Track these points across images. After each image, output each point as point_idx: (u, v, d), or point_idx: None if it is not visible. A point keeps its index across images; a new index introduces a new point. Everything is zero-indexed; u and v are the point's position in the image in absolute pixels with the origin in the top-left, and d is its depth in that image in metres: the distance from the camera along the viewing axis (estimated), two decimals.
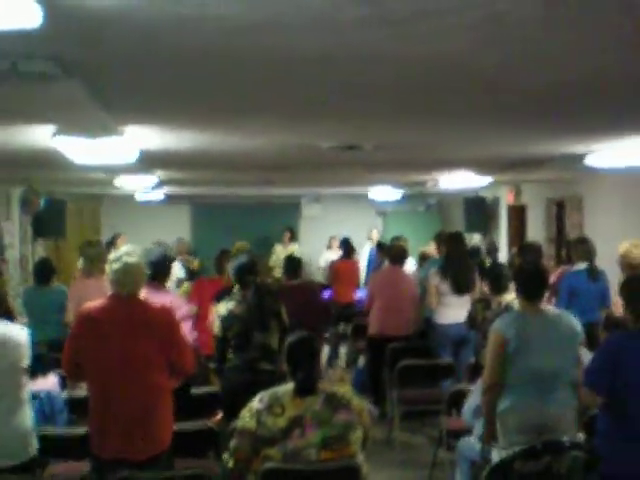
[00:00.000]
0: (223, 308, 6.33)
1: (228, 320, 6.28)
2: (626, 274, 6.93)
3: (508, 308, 7.16)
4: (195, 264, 13.82)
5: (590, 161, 7.57)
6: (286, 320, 6.46)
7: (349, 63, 3.66)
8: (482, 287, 8.45)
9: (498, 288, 7.46)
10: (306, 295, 8.20)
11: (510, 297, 7.34)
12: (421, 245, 12.83)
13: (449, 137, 6.75)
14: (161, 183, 12.02)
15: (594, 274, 7.63)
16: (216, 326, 6.32)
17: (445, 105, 5.01)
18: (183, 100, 4.83)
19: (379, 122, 5.79)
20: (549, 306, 5.15)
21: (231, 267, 6.66)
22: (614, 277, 6.60)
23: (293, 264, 8.59)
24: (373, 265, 13.20)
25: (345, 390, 4.68)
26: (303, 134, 6.45)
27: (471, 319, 7.59)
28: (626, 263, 6.98)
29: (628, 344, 4.28)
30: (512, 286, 7.56)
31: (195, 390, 6.05)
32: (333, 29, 3.03)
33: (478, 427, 5.32)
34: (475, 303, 7.73)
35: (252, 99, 4.73)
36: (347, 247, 12.28)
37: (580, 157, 7.66)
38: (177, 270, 11.42)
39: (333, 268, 12.10)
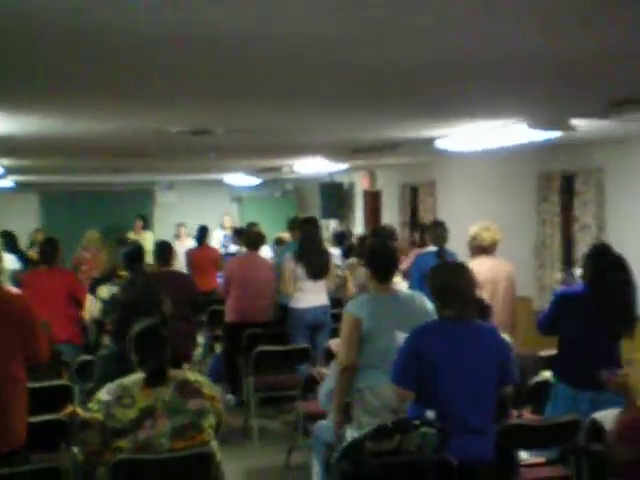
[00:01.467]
0: (105, 292, 6.22)
1: (110, 305, 6.14)
2: (476, 256, 7.10)
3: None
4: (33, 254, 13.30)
5: (440, 144, 7.70)
6: (166, 310, 6.35)
7: (194, 45, 3.57)
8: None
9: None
10: (179, 283, 8.04)
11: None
12: (278, 231, 12.84)
13: (301, 122, 6.73)
14: (7, 171, 11.57)
15: (443, 257, 7.77)
16: (97, 309, 6.19)
17: (296, 89, 4.97)
18: (23, 83, 4.63)
19: (229, 106, 5.71)
20: (401, 287, 5.21)
21: (120, 253, 6.61)
22: (466, 259, 6.74)
23: (164, 251, 8.33)
24: (226, 252, 13.16)
25: (196, 377, 4.61)
26: (151, 118, 6.30)
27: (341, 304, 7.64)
28: (476, 245, 7.11)
29: (426, 334, 4.33)
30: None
31: (44, 383, 5.86)
32: (177, 7, 2.93)
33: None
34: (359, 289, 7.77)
35: (96, 82, 4.57)
36: (202, 234, 12.11)
37: (431, 141, 7.78)
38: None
39: (190, 256, 11.92)
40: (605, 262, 5.54)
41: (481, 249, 7.07)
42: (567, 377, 5.55)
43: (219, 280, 11.50)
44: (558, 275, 7.19)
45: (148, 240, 13.69)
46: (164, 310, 6.29)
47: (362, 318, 4.93)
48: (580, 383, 5.46)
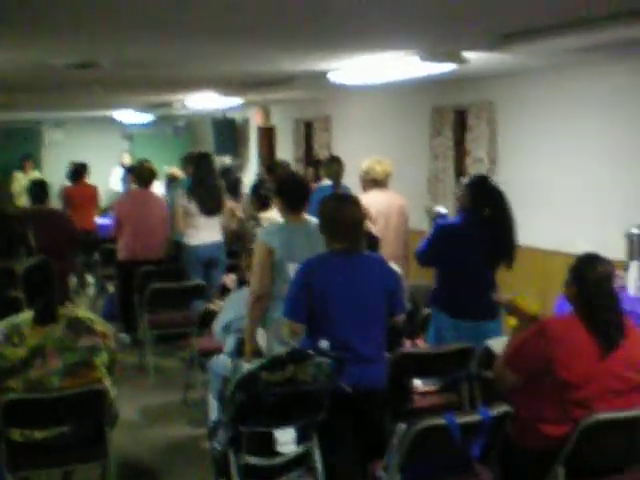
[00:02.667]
0: None
1: None
2: (369, 190, 7.13)
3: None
4: None
5: (333, 78, 7.65)
6: (33, 245, 6.20)
7: None
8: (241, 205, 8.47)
9: (264, 205, 7.54)
10: (53, 221, 7.83)
11: (274, 214, 7.41)
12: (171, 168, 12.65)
13: (191, 54, 6.57)
14: None
15: (337, 190, 7.78)
16: None
17: (183, 19, 4.83)
18: None
19: (115, 37, 5.52)
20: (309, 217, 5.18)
21: None
22: (361, 194, 6.76)
23: (38, 189, 8.12)
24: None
25: (87, 314, 4.53)
26: (34, 51, 6.06)
27: (238, 237, 7.58)
28: (369, 179, 7.15)
29: (316, 266, 4.33)
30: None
31: None
32: None
33: (229, 343, 5.34)
34: (245, 222, 7.71)
35: None
36: (77, 172, 11.74)
37: (324, 74, 7.72)
38: None
39: (65, 194, 11.49)
40: (483, 192, 5.63)
41: (374, 183, 7.12)
42: (447, 307, 5.65)
43: (100, 220, 11.31)
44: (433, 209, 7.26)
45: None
46: (30, 245, 6.15)
47: (275, 247, 4.90)
48: (460, 313, 5.58)
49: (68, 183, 12.11)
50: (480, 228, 5.53)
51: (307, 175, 9.49)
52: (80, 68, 6.88)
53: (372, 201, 6.96)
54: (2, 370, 4.23)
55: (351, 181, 8.32)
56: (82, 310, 4.61)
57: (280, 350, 4.43)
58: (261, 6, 4.40)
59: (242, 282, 6.63)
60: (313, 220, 5.14)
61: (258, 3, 4.29)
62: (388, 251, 6.37)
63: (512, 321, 4.50)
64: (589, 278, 3.90)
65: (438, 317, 5.71)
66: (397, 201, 7.19)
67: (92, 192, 11.74)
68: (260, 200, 7.67)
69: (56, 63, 6.65)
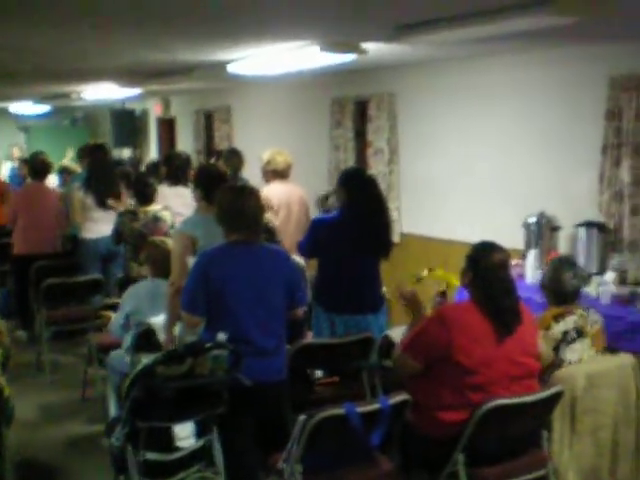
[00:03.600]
0: None
1: None
2: (270, 181, 7.13)
3: (156, 218, 7.14)
4: None
5: (232, 69, 7.58)
6: None
7: None
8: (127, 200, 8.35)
9: (144, 199, 7.42)
10: None
11: (157, 207, 7.31)
12: (69, 161, 12.42)
13: (87, 44, 6.43)
14: None
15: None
16: None
17: (78, 9, 4.71)
18: None
19: (8, 27, 5.36)
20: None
21: None
22: (262, 186, 6.73)
23: None
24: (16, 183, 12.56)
25: None
26: None
27: (118, 232, 7.45)
28: (270, 170, 7.16)
29: (214, 258, 4.30)
30: (158, 197, 7.58)
31: None
32: None
33: (127, 339, 5.26)
34: (121, 215, 7.57)
35: None
36: None
37: (223, 65, 7.64)
38: None
39: None
40: (356, 185, 5.66)
41: (275, 174, 7.13)
42: (323, 301, 5.68)
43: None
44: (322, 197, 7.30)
45: None
46: None
47: (197, 237, 4.83)
48: (335, 307, 5.61)
49: None
50: (355, 221, 5.55)
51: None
52: None
53: (273, 192, 6.97)
54: None
55: (252, 172, 8.29)
56: None
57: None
58: None
59: (128, 276, 6.57)
60: None
61: None
62: (290, 242, 6.38)
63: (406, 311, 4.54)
64: (485, 265, 3.97)
65: (316, 310, 5.73)
66: (297, 192, 7.21)
67: (2, 187, 11.44)
68: (141, 194, 7.55)
69: None
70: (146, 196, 7.41)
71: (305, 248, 5.79)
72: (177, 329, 4.85)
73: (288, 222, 6.95)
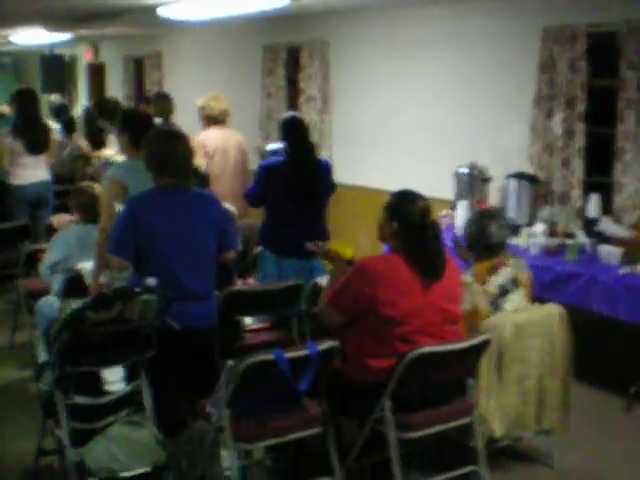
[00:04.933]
0: None
1: None
2: (207, 127, 7.10)
3: (108, 162, 7.09)
4: None
5: (162, 12, 7.48)
6: None
7: None
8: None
9: (98, 143, 7.38)
10: None
11: (109, 152, 7.24)
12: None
13: None
14: None
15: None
16: None
17: None
18: None
19: None
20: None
21: None
22: (193, 132, 6.67)
23: None
24: None
25: None
26: None
27: (71, 176, 7.39)
28: (206, 115, 7.15)
29: (143, 203, 4.27)
30: (112, 141, 7.50)
31: None
32: None
33: (56, 284, 5.23)
34: (75, 160, 7.49)
35: None
36: None
37: (152, 8, 7.54)
38: None
39: None
40: (289, 131, 5.73)
41: (211, 119, 7.13)
42: (271, 245, 5.77)
43: None
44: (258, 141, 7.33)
45: None
46: None
47: (127, 183, 4.78)
48: (282, 251, 5.69)
49: None
50: (292, 166, 5.63)
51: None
52: None
53: (208, 137, 6.97)
54: None
55: (184, 119, 8.23)
56: None
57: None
58: None
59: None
60: None
61: None
62: (227, 188, 6.41)
63: (329, 266, 4.58)
64: (411, 212, 3.97)
65: (263, 254, 5.82)
66: (235, 138, 7.22)
67: None
68: (93, 138, 7.50)
69: None
70: (99, 141, 7.36)
71: (254, 195, 5.84)
72: (104, 276, 4.84)
73: (225, 168, 6.96)
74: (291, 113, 6.58)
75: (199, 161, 6.66)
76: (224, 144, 7.03)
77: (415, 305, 3.92)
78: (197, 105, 7.17)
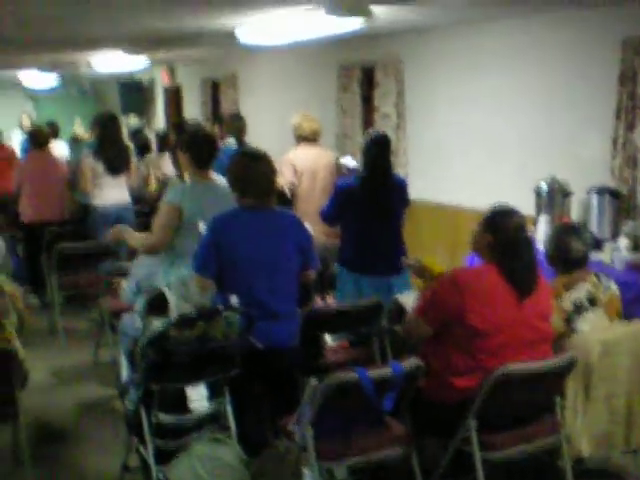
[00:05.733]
0: None
1: None
2: (298, 145, 7.20)
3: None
4: None
5: (239, 35, 7.56)
6: None
7: None
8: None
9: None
10: None
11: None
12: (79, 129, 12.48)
13: (94, 10, 6.41)
14: None
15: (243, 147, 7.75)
16: None
17: None
18: None
19: None
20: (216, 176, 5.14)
21: None
22: (275, 152, 6.72)
23: None
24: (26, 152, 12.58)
25: None
26: None
27: (154, 199, 7.53)
28: (297, 135, 7.25)
29: (226, 222, 4.32)
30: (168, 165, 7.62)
31: None
32: None
33: (139, 303, 5.29)
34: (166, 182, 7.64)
35: None
36: None
37: (230, 32, 7.63)
38: None
39: None
40: (370, 149, 5.73)
41: (302, 138, 7.22)
42: (348, 263, 5.78)
43: None
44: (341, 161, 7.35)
45: None
46: None
47: (184, 207, 4.84)
48: (360, 269, 5.68)
49: None
50: (369, 185, 5.64)
51: (215, 134, 9.42)
52: None
53: (297, 156, 7.05)
54: None
55: (261, 139, 8.29)
56: None
57: (187, 308, 4.41)
58: None
59: None
60: (220, 179, 5.11)
61: None
62: (314, 207, 6.45)
63: (419, 282, 4.57)
64: (506, 226, 3.96)
65: (341, 273, 5.82)
66: (325, 157, 7.28)
67: (10, 154, 11.47)
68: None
69: None
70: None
71: (328, 214, 5.87)
72: (167, 295, 4.91)
73: (313, 187, 7.02)
74: (376, 130, 6.58)
75: (283, 180, 6.74)
76: (313, 163, 7.10)
77: (504, 318, 3.89)
78: (291, 124, 7.25)
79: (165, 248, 4.91)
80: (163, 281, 5.06)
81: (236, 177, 4.38)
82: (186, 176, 5.49)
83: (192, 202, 4.84)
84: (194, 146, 5.08)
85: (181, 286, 4.76)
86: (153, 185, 8.74)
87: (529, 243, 4.03)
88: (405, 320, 4.43)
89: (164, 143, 10.05)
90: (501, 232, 3.96)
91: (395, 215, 5.80)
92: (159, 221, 4.94)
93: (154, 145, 10.53)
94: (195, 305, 4.40)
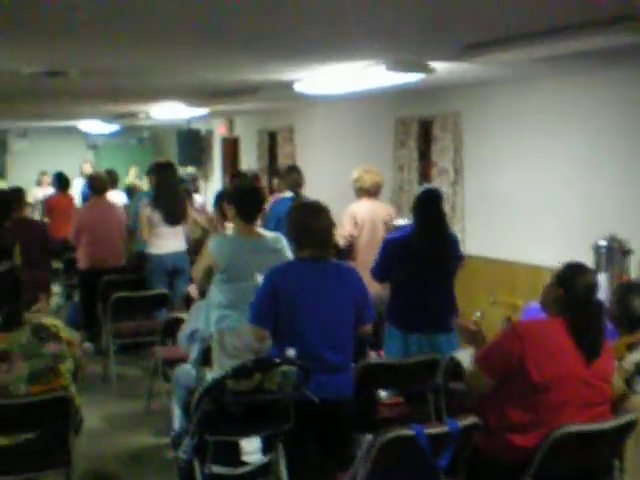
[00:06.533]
0: None
1: None
2: (360, 198, 7.24)
3: None
4: None
5: (299, 88, 7.65)
6: (16, 257, 6.23)
7: None
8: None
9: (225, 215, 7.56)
10: (32, 231, 7.93)
11: None
12: (135, 178, 12.66)
13: (157, 63, 6.52)
14: None
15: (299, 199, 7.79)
16: None
17: (150, 30, 4.79)
18: None
19: (83, 45, 5.46)
20: (261, 229, 5.19)
21: None
22: (331, 204, 6.75)
23: (16, 196, 8.30)
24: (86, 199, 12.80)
25: (53, 321, 4.48)
26: (5, 58, 5.97)
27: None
28: (358, 187, 7.30)
29: (284, 274, 4.33)
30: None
31: None
32: None
33: (193, 352, 5.31)
34: (210, 232, 7.72)
35: None
36: (60, 182, 11.80)
37: (290, 84, 7.72)
38: None
39: (47, 203, 11.61)
40: (422, 204, 5.69)
41: (363, 191, 7.26)
42: (396, 320, 5.71)
43: None
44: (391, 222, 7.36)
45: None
46: (14, 256, 6.16)
47: (218, 258, 4.90)
48: (408, 326, 5.61)
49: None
50: (422, 240, 5.58)
51: (272, 186, 9.52)
52: (49, 76, 6.79)
53: (358, 209, 7.13)
54: None
55: (317, 192, 8.32)
56: (47, 317, 4.55)
57: (228, 362, 4.44)
58: (226, 15, 4.37)
59: (203, 292, 6.62)
60: (267, 235, 5.13)
61: (223, 13, 4.26)
62: (373, 259, 6.45)
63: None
64: (579, 284, 3.92)
65: (389, 330, 5.77)
66: (384, 211, 7.35)
67: (70, 202, 11.71)
68: (222, 210, 7.67)
69: (27, 71, 6.56)
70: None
71: (378, 269, 5.80)
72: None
73: (372, 240, 7.02)
74: (427, 186, 6.58)
75: (342, 231, 6.77)
76: (373, 216, 7.16)
77: (566, 374, 3.82)
78: (352, 177, 7.30)
79: (200, 287, 5.21)
80: (205, 331, 5.11)
81: (294, 228, 4.40)
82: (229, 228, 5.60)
83: (228, 254, 4.90)
84: (240, 199, 5.14)
85: (219, 338, 4.81)
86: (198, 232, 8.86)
87: (600, 305, 3.98)
88: (465, 372, 4.38)
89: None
90: (573, 288, 3.92)
91: (448, 271, 5.74)
92: (199, 262, 5.20)
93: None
94: (234, 357, 4.43)
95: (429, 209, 5.67)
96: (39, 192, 13.94)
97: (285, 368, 3.93)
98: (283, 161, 12.69)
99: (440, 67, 6.45)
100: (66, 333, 4.46)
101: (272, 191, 10.36)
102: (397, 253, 5.66)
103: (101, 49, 5.66)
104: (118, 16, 4.35)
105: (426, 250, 5.57)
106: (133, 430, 6.45)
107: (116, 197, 10.64)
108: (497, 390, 3.93)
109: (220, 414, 3.85)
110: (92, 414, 6.38)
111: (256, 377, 3.87)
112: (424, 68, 6.35)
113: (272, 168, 13.21)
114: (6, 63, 6.24)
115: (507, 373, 3.88)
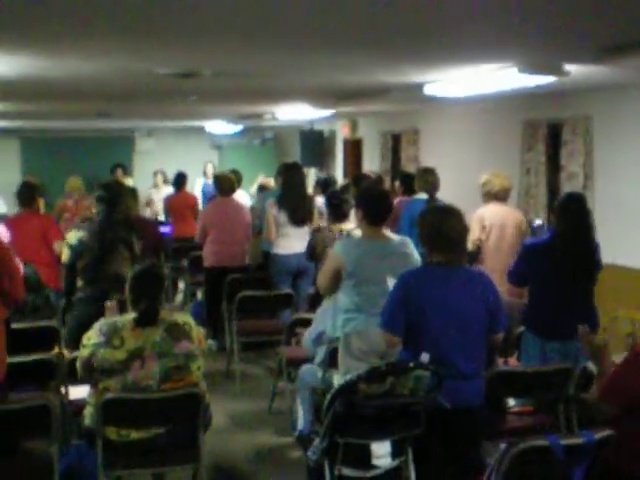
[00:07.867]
0: (74, 238, 6.23)
1: (78, 249, 6.24)
2: (487, 203, 7.20)
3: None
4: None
5: (429, 90, 7.58)
6: (137, 251, 6.39)
7: None
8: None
9: (338, 217, 7.53)
10: (144, 229, 8.04)
11: (350, 226, 7.38)
12: (256, 178, 12.82)
13: (289, 64, 6.57)
14: None
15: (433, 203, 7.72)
16: (66, 255, 6.23)
17: (281, 31, 4.82)
18: (10, 23, 4.44)
19: (216, 46, 5.55)
20: (391, 233, 5.15)
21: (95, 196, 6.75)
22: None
23: (131, 195, 8.47)
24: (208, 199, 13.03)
25: (185, 319, 4.55)
26: (139, 59, 6.12)
27: (311, 249, 7.60)
28: (486, 192, 7.24)
29: (415, 280, 4.27)
30: (352, 215, 7.66)
31: (32, 324, 5.86)
32: None
33: (319, 354, 5.31)
34: (314, 233, 7.72)
35: (84, 20, 4.38)
36: (180, 181, 12.04)
37: (419, 86, 7.67)
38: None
39: (168, 203, 11.93)
40: (566, 210, 5.54)
41: (491, 195, 7.22)
42: (535, 327, 5.58)
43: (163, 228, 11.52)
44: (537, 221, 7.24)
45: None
46: (135, 250, 6.30)
47: (345, 261, 4.89)
48: (547, 333, 5.48)
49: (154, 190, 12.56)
50: (563, 246, 5.44)
51: (395, 189, 9.45)
52: (182, 77, 6.92)
53: (486, 213, 7.10)
54: (102, 370, 4.27)
55: (440, 195, 8.23)
56: (181, 315, 4.62)
57: (354, 364, 4.42)
58: (358, 19, 4.36)
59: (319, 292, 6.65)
60: (395, 238, 5.09)
61: (356, 17, 4.26)
62: (501, 264, 6.38)
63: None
64: None
65: (526, 336, 5.64)
66: (513, 215, 7.29)
67: (192, 201, 11.97)
68: (334, 211, 7.66)
69: (159, 72, 6.70)
70: (339, 214, 7.53)
71: (515, 273, 5.70)
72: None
73: (501, 244, 6.98)
74: (570, 192, 6.42)
75: (470, 236, 6.68)
76: (502, 220, 7.08)
77: None
78: (480, 181, 7.26)
79: (328, 293, 5.11)
80: (331, 334, 5.11)
81: (426, 232, 4.34)
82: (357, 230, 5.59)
83: (356, 256, 4.88)
84: (368, 202, 5.11)
85: (345, 341, 4.79)
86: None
87: None
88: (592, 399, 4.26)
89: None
90: None
91: (592, 279, 5.60)
92: (325, 266, 5.16)
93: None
94: (360, 360, 4.41)
95: (577, 215, 5.53)
96: (155, 193, 14.27)
97: (418, 373, 3.89)
98: (406, 164, 12.63)
99: (574, 70, 6.30)
100: (197, 331, 4.53)
101: (394, 194, 10.33)
102: (536, 259, 5.55)
103: (236, 50, 5.73)
104: (254, 18, 4.40)
105: (572, 257, 5.43)
106: (257, 429, 6.52)
107: (241, 197, 10.78)
108: (627, 414, 3.80)
109: (352, 416, 3.84)
110: (216, 410, 6.44)
111: (388, 380, 3.84)
112: (558, 71, 6.22)
113: (395, 170, 13.16)
114: (143, 64, 6.38)
115: (632, 404, 3.73)
